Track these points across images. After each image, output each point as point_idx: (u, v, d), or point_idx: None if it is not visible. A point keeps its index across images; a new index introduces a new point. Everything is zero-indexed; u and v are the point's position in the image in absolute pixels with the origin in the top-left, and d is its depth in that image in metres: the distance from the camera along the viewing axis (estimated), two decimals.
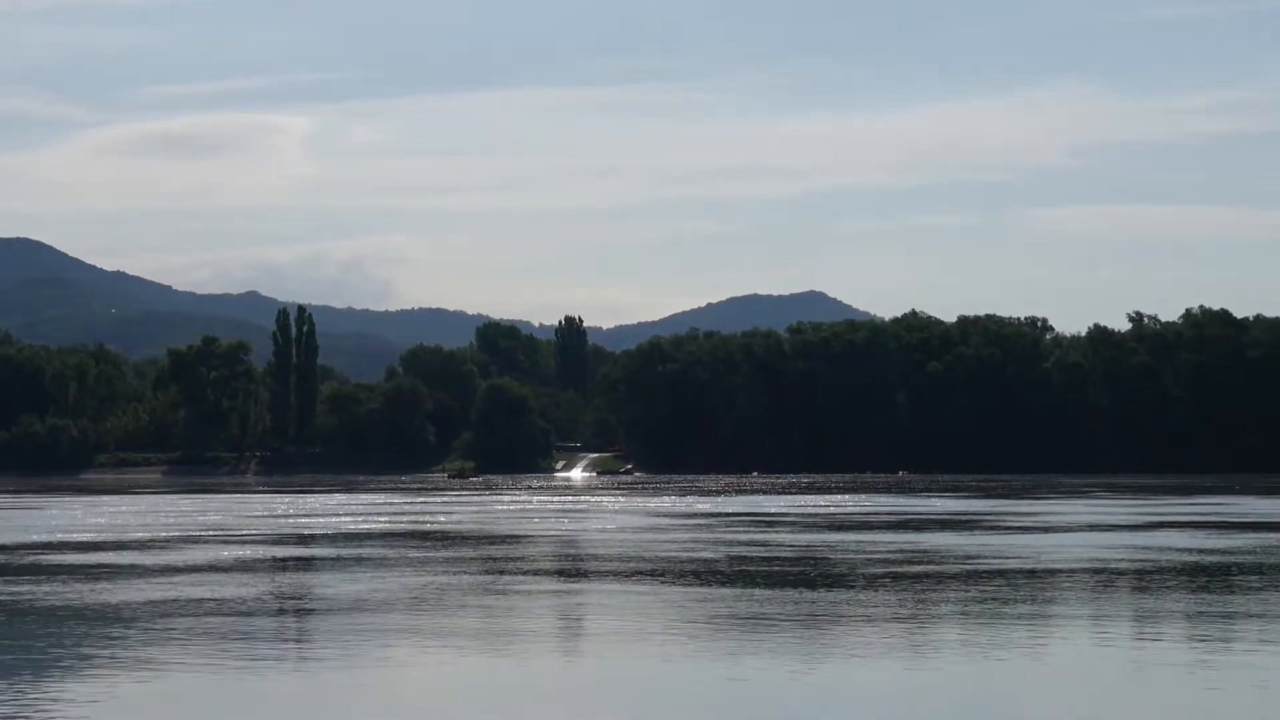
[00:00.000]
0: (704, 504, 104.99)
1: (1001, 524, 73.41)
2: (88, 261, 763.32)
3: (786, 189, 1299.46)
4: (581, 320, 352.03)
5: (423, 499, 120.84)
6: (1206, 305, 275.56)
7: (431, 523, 78.08)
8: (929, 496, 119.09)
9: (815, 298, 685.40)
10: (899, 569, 45.17)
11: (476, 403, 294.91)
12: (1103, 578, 42.32)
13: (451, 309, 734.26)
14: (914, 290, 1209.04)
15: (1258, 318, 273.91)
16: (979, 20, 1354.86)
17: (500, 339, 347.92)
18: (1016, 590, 38.30)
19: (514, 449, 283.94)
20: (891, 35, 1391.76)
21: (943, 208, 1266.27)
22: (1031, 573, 43.75)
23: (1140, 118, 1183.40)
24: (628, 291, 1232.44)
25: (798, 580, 41.47)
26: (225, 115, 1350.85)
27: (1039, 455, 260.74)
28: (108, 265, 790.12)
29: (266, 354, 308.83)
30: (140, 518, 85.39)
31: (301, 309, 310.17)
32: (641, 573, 44.76)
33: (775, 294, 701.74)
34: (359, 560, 50.04)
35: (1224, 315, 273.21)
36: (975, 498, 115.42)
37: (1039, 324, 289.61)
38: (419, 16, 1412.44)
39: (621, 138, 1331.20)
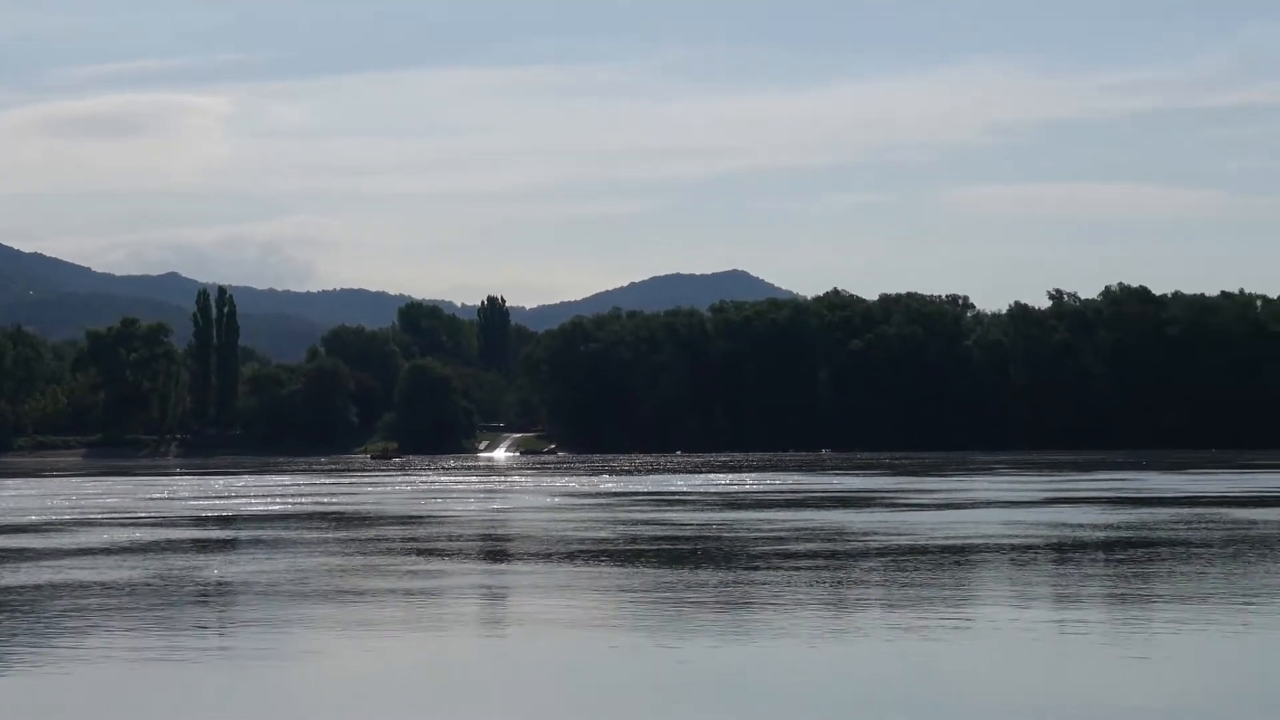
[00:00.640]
0: (611, 483, 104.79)
1: (900, 501, 73.46)
2: (5, 243, 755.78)
3: (709, 168, 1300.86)
4: (504, 300, 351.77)
5: (333, 480, 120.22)
6: (1126, 282, 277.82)
7: (334, 504, 77.49)
8: (838, 474, 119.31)
9: (738, 277, 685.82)
10: (791, 546, 44.95)
11: (399, 383, 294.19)
12: (989, 554, 42.21)
13: (374, 290, 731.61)
14: (836, 269, 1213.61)
15: (1176, 294, 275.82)
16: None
17: (423, 319, 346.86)
18: (919, 567, 38.13)
19: (437, 430, 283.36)
20: (812, 15, 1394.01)
21: (864, 187, 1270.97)
22: (924, 550, 43.61)
23: (1058, 96, 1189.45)
24: (550, 271, 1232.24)
25: (695, 558, 41.19)
26: (143, 96, 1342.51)
27: (961, 432, 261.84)
28: (25, 247, 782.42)
29: (187, 336, 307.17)
30: (41, 500, 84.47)
31: (222, 290, 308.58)
32: (532, 554, 44.42)
33: (698, 273, 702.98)
34: (252, 542, 49.53)
35: (1143, 292, 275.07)
36: (883, 475, 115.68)
37: (960, 302, 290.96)
38: None
39: (544, 118, 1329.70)
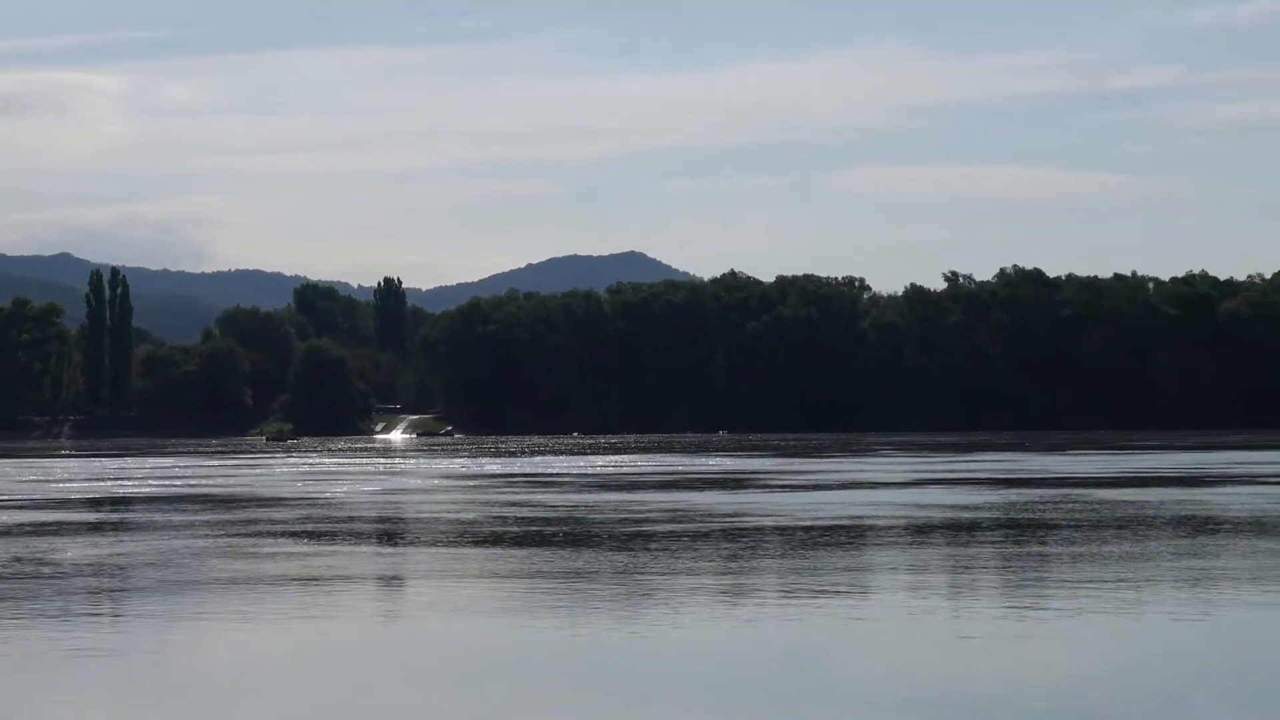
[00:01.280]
0: (494, 465, 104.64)
1: (773, 483, 73.62)
2: None
3: (605, 149, 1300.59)
4: (400, 281, 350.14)
5: (217, 463, 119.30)
6: (1020, 265, 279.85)
7: (208, 487, 76.83)
8: (723, 456, 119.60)
9: (635, 258, 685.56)
10: (656, 527, 44.91)
11: (294, 365, 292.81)
12: (842, 535, 42.34)
13: (269, 270, 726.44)
14: (733, 251, 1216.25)
15: (1069, 277, 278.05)
16: None
17: (318, 300, 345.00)
18: (769, 547, 38.16)
19: (333, 411, 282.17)
20: None
21: (761, 168, 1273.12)
22: (776, 530, 43.69)
23: (954, 78, 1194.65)
24: (447, 253, 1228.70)
25: (555, 540, 41.09)
26: (36, 74, 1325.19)
27: (857, 414, 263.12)
28: None
29: (80, 316, 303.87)
30: None
31: (115, 271, 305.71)
32: (393, 537, 44.19)
33: (595, 254, 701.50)
34: (115, 525, 49.02)
35: (1037, 274, 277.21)
36: (766, 457, 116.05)
37: (856, 284, 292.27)
38: None
39: (440, 97, 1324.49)
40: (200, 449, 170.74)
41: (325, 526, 48.28)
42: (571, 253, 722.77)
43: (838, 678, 20.95)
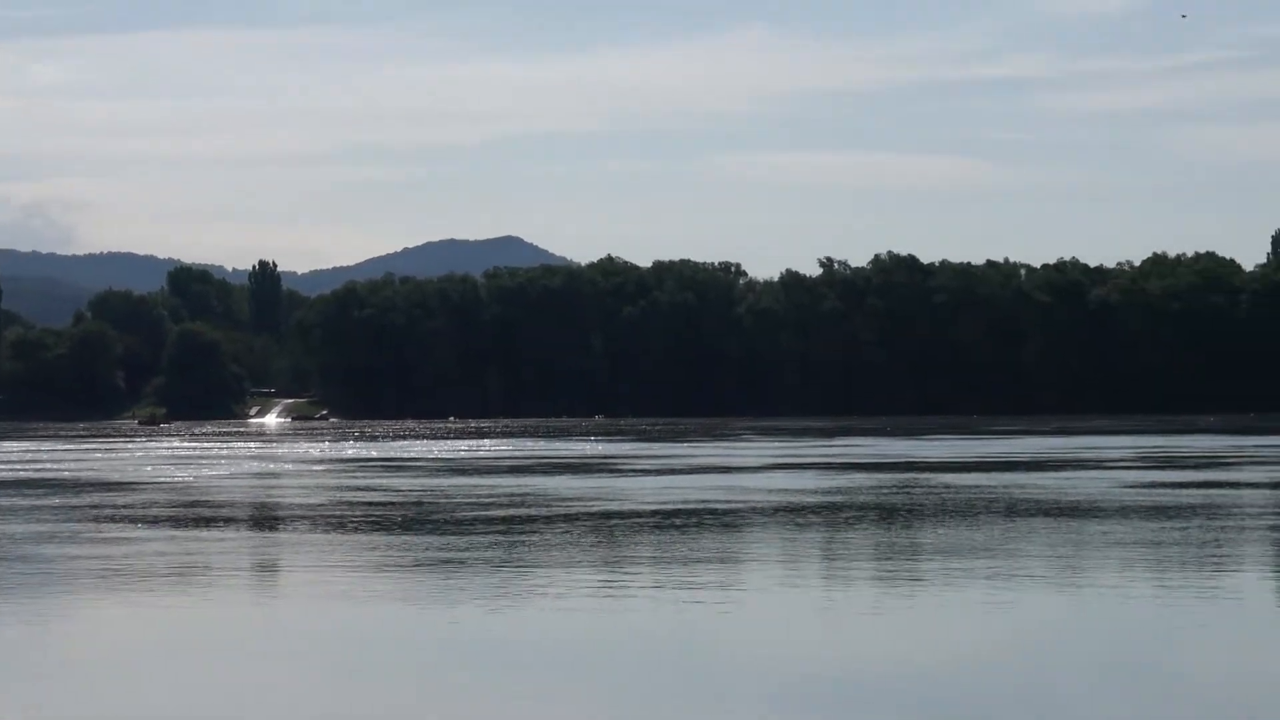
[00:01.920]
0: (354, 449, 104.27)
1: (626, 467, 73.78)
2: None
3: (482, 133, 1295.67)
4: (276, 265, 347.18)
5: (76, 446, 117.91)
6: (895, 251, 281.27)
7: (57, 471, 75.99)
8: (588, 440, 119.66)
9: (512, 243, 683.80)
10: (493, 512, 44.90)
11: (167, 348, 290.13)
12: (681, 518, 42.48)
13: (142, 253, 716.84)
14: (610, 236, 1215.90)
15: (943, 263, 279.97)
16: None
17: (192, 284, 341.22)
18: (626, 533, 38.22)
19: (207, 395, 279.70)
20: None
21: (637, 153, 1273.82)
22: (620, 514, 43.78)
23: (828, 65, 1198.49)
24: (324, 236, 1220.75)
25: (401, 524, 40.97)
26: None
27: (733, 399, 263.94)
28: None
29: None
30: None
31: None
32: (231, 520, 43.92)
33: (472, 239, 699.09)
34: None
35: (911, 261, 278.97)
36: (630, 441, 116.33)
37: (732, 269, 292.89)
38: None
39: (317, 80, 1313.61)
40: (65, 433, 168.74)
41: (164, 511, 47.91)
42: (448, 237, 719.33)
43: (698, 661, 21.07)
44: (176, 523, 43.16)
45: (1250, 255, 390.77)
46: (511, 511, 45.26)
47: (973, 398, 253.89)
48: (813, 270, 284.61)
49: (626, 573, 30.04)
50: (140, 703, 18.46)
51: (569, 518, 42.77)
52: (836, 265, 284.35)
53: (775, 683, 19.31)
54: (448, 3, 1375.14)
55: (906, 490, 54.08)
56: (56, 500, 52.74)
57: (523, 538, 36.89)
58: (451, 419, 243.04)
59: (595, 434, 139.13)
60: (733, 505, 47.29)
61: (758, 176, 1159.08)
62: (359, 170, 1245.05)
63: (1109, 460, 75.66)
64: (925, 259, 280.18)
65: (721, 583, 28.43)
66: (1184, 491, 51.90)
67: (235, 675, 19.94)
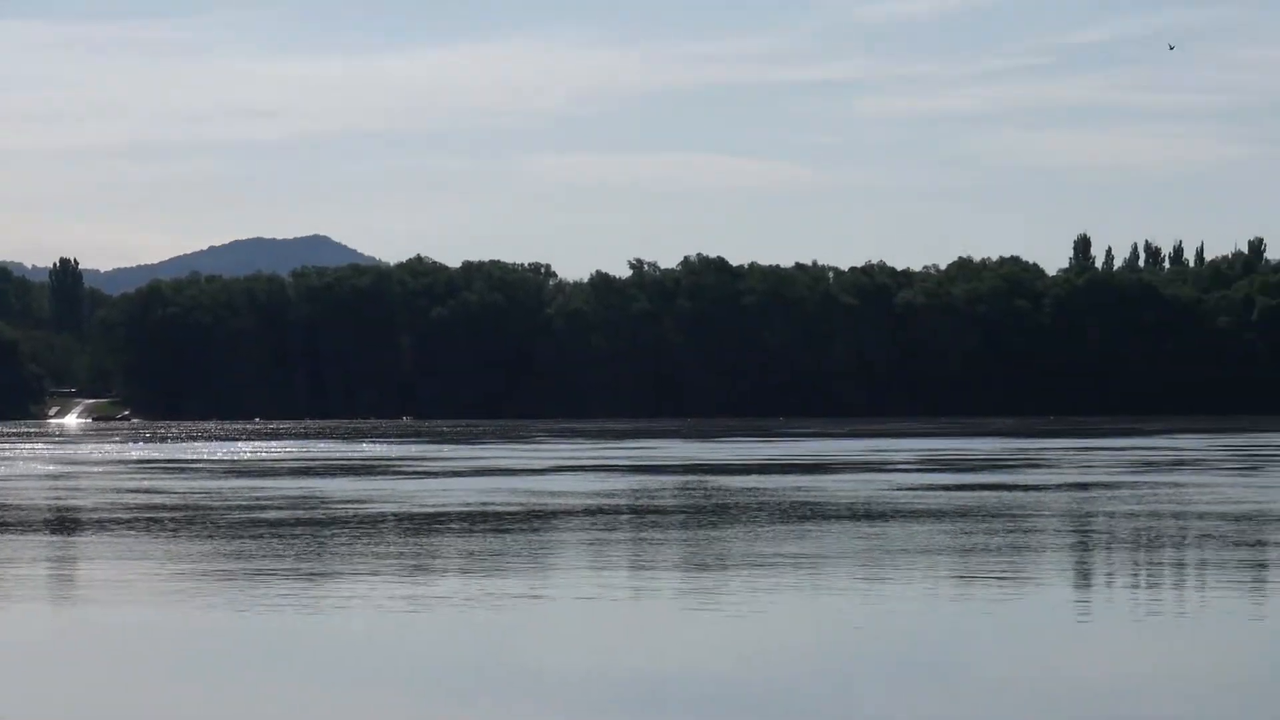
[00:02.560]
0: (138, 451, 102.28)
1: (410, 469, 73.02)
2: None
3: (289, 130, 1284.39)
4: (77, 262, 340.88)
5: None
6: (704, 253, 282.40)
7: None
8: (380, 441, 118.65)
9: (320, 242, 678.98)
10: (264, 515, 43.86)
11: None
12: (439, 521, 41.78)
13: None
14: (420, 235, 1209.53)
15: (753, 265, 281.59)
16: None
17: None
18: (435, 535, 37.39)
19: (4, 395, 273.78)
20: None
21: (448, 152, 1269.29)
22: (412, 516, 42.96)
23: (641, 66, 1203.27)
24: (128, 233, 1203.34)
25: (171, 525, 39.80)
26: None
27: (543, 401, 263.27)
28: None
29: None
30: None
31: None
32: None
33: (280, 238, 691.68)
34: None
35: (720, 263, 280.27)
36: (425, 442, 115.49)
37: (543, 270, 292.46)
38: None
39: (119, 74, 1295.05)
40: None
41: None
42: (255, 235, 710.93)
43: (505, 660, 20.69)
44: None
45: (1054, 260, 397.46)
46: (281, 515, 44.24)
47: (782, 399, 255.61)
48: (623, 272, 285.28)
49: (370, 577, 29.25)
50: None
51: (338, 520, 41.88)
52: (646, 267, 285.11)
53: (578, 684, 19.19)
54: (256, 1, 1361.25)
55: (687, 491, 53.80)
56: None
57: (286, 541, 35.96)
58: (257, 420, 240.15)
59: (393, 436, 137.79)
60: (515, 507, 46.67)
61: (569, 177, 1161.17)
62: (165, 166, 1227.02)
63: (892, 463, 75.97)
64: (735, 261, 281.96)
65: (486, 586, 27.78)
66: (953, 494, 52.14)
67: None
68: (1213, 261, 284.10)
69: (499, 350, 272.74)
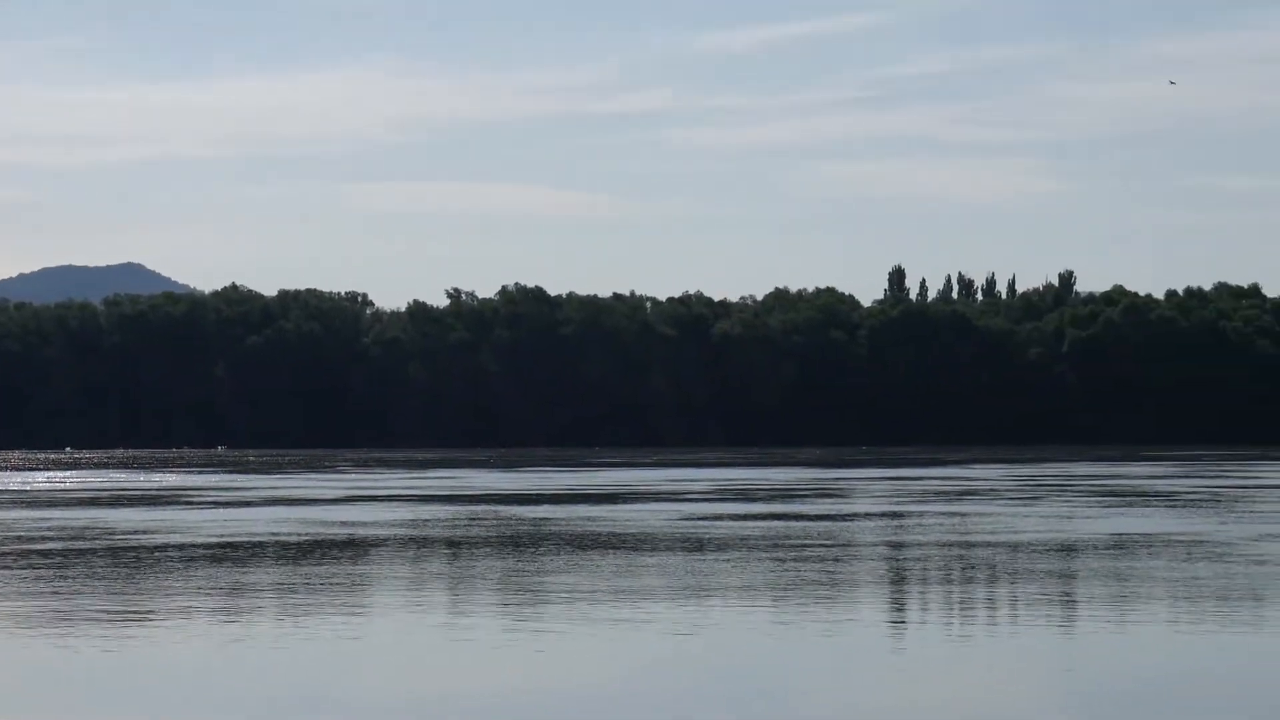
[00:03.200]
0: None
1: (201, 499, 72.28)
2: None
3: (103, 157, 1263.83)
4: None
5: None
6: (522, 283, 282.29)
7: None
8: (172, 472, 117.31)
9: (134, 270, 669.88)
10: (41, 546, 43.30)
11: None
12: (240, 550, 41.50)
13: None
14: (235, 264, 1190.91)
15: (570, 295, 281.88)
16: None
17: None
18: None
19: None
20: (213, 3, 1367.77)
21: (264, 180, 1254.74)
22: (164, 547, 42.58)
23: (455, 97, 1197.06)
24: None
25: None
26: None
27: (361, 430, 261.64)
28: None
29: None
30: None
31: None
32: None
33: (93, 265, 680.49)
34: None
35: (538, 292, 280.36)
36: (222, 473, 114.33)
37: (359, 299, 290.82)
38: None
39: None
40: None
41: None
42: (67, 263, 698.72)
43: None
44: None
45: (869, 291, 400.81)
46: (57, 545, 43.74)
47: (600, 430, 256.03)
48: (440, 301, 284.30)
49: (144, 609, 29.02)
50: None
51: (112, 550, 41.46)
52: (464, 296, 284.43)
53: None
54: (70, 23, 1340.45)
55: (476, 522, 53.87)
56: None
57: (60, 572, 35.59)
58: (69, 450, 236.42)
59: (197, 466, 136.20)
60: (300, 538, 46.47)
61: (386, 206, 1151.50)
62: None
63: (687, 493, 76.46)
64: (553, 291, 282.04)
65: (281, 616, 27.66)
66: (739, 523, 52.65)
67: None
68: (1024, 294, 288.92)
69: (315, 379, 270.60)
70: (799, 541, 44.30)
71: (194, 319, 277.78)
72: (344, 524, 53.16)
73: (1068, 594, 32.26)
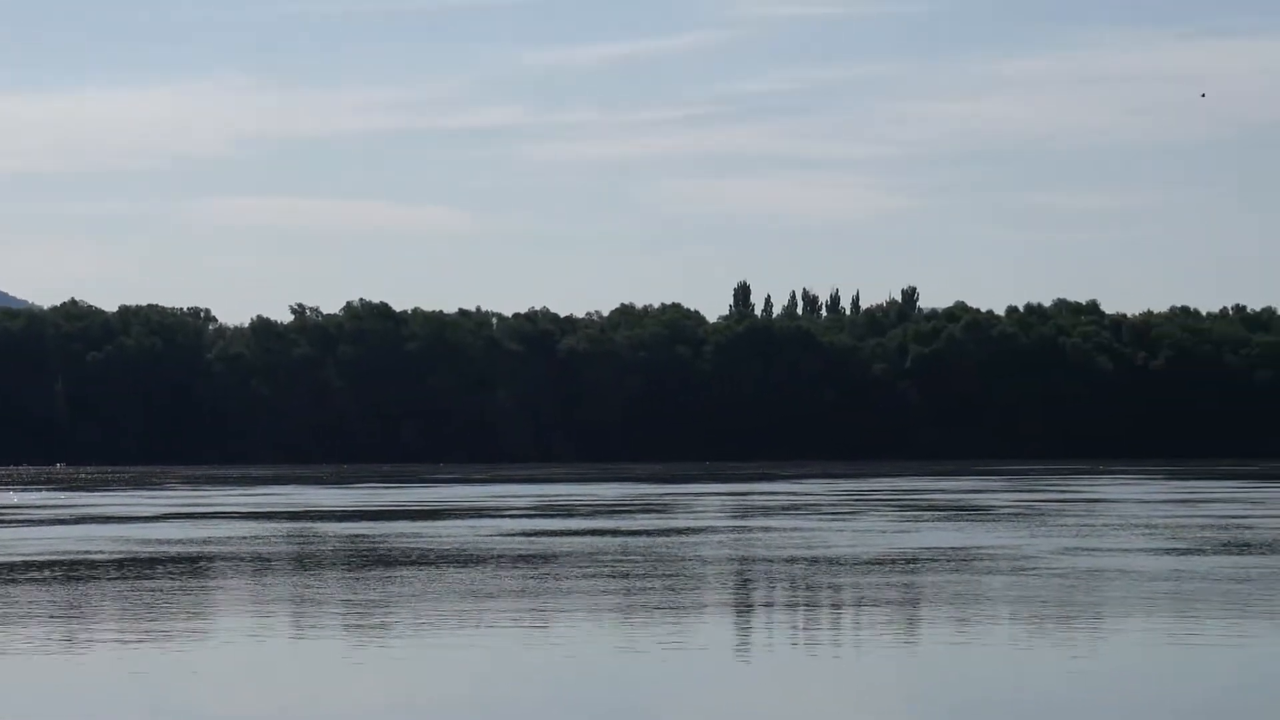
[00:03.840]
0: None
1: (18, 519, 71.29)
2: None
3: None
4: None
5: None
6: (367, 299, 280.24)
7: None
8: (23, 489, 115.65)
9: None
10: None
11: None
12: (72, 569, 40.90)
13: None
14: (75, 278, 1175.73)
15: (415, 311, 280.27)
16: (141, 5, 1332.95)
17: None
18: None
19: None
20: (49, 15, 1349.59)
21: (103, 195, 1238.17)
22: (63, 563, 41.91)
23: (298, 112, 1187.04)
24: None
25: None
26: None
27: (205, 446, 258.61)
28: None
29: None
30: None
31: None
32: None
33: None
34: None
35: (383, 308, 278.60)
36: (52, 490, 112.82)
37: (202, 315, 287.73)
38: None
39: None
40: None
41: None
42: None
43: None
44: None
45: (714, 307, 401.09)
46: None
47: (447, 446, 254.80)
48: (284, 317, 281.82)
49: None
50: None
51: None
52: (308, 312, 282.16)
53: None
54: None
55: (292, 538, 53.53)
56: None
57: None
58: None
59: (22, 483, 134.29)
60: (120, 555, 45.92)
61: (230, 221, 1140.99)
62: None
63: (507, 509, 76.29)
64: (398, 307, 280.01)
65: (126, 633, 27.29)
66: (553, 539, 52.73)
67: None
68: (868, 310, 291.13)
69: (157, 395, 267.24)
70: (613, 558, 44.39)
71: (32, 334, 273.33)
72: (149, 540, 52.62)
73: (858, 605, 32.57)
